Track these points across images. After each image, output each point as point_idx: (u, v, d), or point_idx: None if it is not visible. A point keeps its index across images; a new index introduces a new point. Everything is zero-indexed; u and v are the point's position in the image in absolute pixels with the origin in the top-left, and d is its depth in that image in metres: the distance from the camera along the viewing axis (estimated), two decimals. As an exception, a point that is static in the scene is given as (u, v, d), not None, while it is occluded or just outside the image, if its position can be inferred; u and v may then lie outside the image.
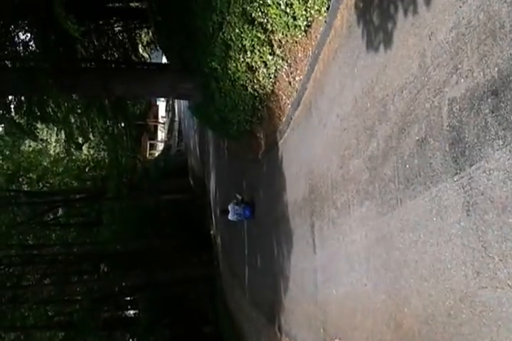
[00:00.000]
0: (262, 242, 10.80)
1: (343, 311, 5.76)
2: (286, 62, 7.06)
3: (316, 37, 5.95)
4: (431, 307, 3.70)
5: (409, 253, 4.00)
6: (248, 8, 6.73)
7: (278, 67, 7.25)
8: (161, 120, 46.03)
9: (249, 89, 8.41)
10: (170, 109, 43.11)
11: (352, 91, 4.90)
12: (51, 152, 33.66)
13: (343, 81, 5.16)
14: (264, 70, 7.59)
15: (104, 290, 24.42)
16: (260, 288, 11.52)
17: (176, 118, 39.39)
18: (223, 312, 17.93)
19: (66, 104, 12.31)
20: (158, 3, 11.58)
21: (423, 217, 3.69)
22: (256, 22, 6.82)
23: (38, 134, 13.57)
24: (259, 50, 7.25)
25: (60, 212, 28.62)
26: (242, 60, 7.87)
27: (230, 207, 11.13)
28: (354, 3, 4.68)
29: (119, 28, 17.33)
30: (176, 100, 40.29)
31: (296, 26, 6.10)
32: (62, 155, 29.35)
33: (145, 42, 19.89)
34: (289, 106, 7.74)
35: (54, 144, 33.15)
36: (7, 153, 26.59)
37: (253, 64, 7.75)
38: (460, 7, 3.08)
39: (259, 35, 6.91)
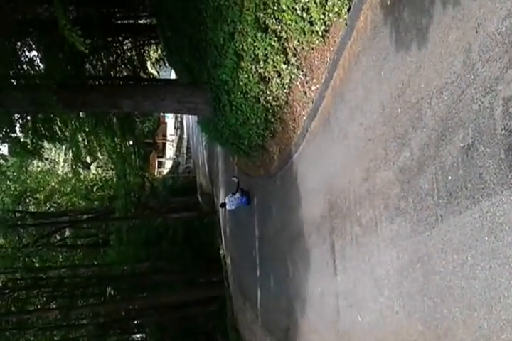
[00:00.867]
0: (276, 263, 10.25)
1: (371, 341, 5.21)
2: (302, 71, 6.67)
3: (334, 42, 5.56)
4: (483, 342, 3.17)
5: (453, 278, 3.48)
6: (261, 15, 6.39)
7: (293, 76, 6.86)
8: (169, 138, 45.94)
9: (262, 101, 8.02)
10: (178, 127, 43.04)
11: (378, 97, 4.46)
12: (59, 172, 33.54)
13: (367, 87, 4.73)
14: (278, 80, 7.20)
15: (111, 314, 23.75)
16: (274, 312, 10.91)
17: (185, 136, 39.27)
18: (234, 337, 17.19)
19: (73, 123, 12.02)
20: (167, 17, 11.36)
21: (471, 237, 3.19)
22: (269, 29, 6.47)
23: (44, 154, 13.23)
24: (272, 60, 6.88)
25: (67, 232, 28.23)
26: (254, 70, 7.50)
27: (226, 200, 12.37)
28: (379, 1, 4.29)
29: (128, 44, 17.21)
30: (184, 117, 40.29)
31: (313, 32, 5.73)
32: (70, 175, 29.11)
33: (154, 59, 19.77)
34: (305, 117, 7.32)
35: (62, 164, 33.05)
36: (14, 173, 26.38)
37: (266, 74, 7.37)
38: (515, -9, 2.66)
39: (272, 43, 6.55)
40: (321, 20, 5.45)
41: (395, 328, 4.57)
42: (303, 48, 6.28)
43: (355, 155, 5.30)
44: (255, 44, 6.87)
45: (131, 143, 17.73)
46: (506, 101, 2.75)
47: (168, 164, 45.26)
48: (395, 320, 4.59)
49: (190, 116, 35.19)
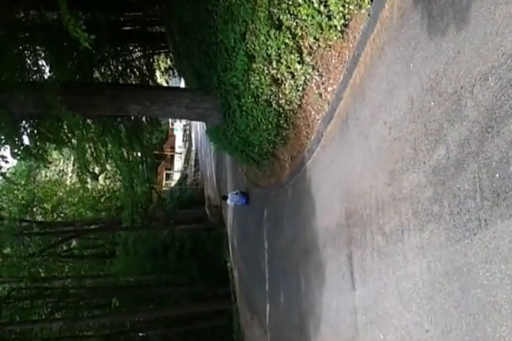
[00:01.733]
0: (286, 276, 9.76)
1: (396, 363, 4.71)
2: (317, 70, 6.30)
3: (354, 37, 5.19)
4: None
5: (499, 292, 3.02)
6: (275, 10, 6.06)
7: (307, 77, 6.49)
8: (177, 150, 45.77)
9: (274, 105, 7.65)
10: (187, 139, 42.89)
11: (406, 91, 4.06)
12: (67, 182, 33.40)
13: (392, 82, 4.33)
14: (292, 82, 6.84)
15: (116, 326, 23.24)
16: (284, 327, 10.37)
17: (193, 148, 39.06)
18: (241, 353, 16.60)
19: (80, 127, 11.72)
20: (176, 22, 11.12)
21: (524, 243, 2.75)
22: (283, 26, 6.12)
23: (48, 158, 12.93)
24: (286, 59, 6.52)
25: (74, 243, 27.93)
26: (266, 72, 7.15)
27: (229, 196, 14.03)
28: (408, -14, 3.92)
29: (137, 53, 17.03)
30: (192, 130, 40.15)
31: (331, 27, 5.37)
32: (77, 186, 28.91)
33: (163, 69, 19.59)
34: (319, 121, 6.93)
35: (70, 175, 32.93)
36: (22, 182, 26.18)
37: (279, 76, 7.01)
38: None
39: (286, 41, 6.19)
40: (341, 14, 5.09)
41: (425, 349, 4.09)
42: (319, 46, 5.92)
43: (378, 158, 4.88)
44: (268, 43, 6.53)
45: (139, 154, 17.46)
46: None
47: (176, 176, 45.04)
48: (425, 338, 4.11)
49: (198, 129, 35.06)
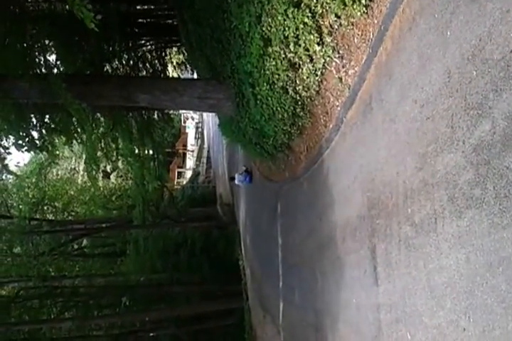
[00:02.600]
0: (301, 273, 9.38)
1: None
2: (338, 52, 5.91)
3: (380, 11, 4.80)
4: None
5: (558, 284, 2.62)
6: (294, -13, 5.68)
7: (327, 59, 6.10)
8: (189, 148, 45.58)
9: (290, 91, 7.26)
10: (199, 137, 42.68)
11: (442, 63, 3.66)
12: (78, 181, 33.33)
13: (425, 54, 3.93)
14: (310, 66, 6.45)
15: (126, 325, 22.99)
16: (299, 327, 9.99)
17: (205, 146, 38.83)
18: (253, 353, 16.23)
19: (89, 120, 11.43)
20: (188, 9, 10.79)
21: None
22: (303, 4, 5.74)
23: (55, 151, 12.66)
24: (304, 41, 6.13)
25: (85, 242, 27.79)
26: (283, 56, 6.77)
27: (236, 176, 14.85)
28: None
29: (149, 46, 16.76)
30: (205, 127, 39.88)
31: (354, 1, 4.98)
32: (89, 184, 28.79)
33: (175, 63, 19.30)
34: (339, 108, 6.53)
35: (82, 173, 32.83)
36: (33, 180, 26.06)
37: (296, 60, 6.63)
38: None
39: (306, 20, 5.81)
40: (366, -14, 4.71)
41: (461, 350, 3.69)
42: (341, 24, 5.54)
43: (406, 141, 4.48)
44: (285, 23, 6.15)
45: (150, 150, 17.20)
46: None
47: (188, 174, 44.86)
48: (461, 338, 3.71)
49: (211, 126, 34.75)
